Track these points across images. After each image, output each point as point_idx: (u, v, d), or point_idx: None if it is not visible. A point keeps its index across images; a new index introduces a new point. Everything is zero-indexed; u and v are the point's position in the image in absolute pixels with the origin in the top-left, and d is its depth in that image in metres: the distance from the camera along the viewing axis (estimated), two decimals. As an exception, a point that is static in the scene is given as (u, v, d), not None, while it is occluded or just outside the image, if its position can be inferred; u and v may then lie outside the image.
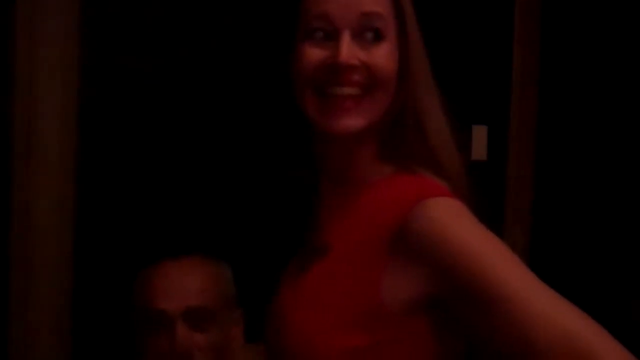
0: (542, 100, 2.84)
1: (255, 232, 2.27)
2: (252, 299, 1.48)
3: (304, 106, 1.12)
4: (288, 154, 1.26)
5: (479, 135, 2.74)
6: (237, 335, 1.65)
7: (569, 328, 0.92)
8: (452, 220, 1.02)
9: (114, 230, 2.18)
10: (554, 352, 0.91)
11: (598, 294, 2.55)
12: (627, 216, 2.75)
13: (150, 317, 1.56)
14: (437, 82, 1.17)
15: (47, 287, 2.05)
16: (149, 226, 2.20)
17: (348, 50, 1.08)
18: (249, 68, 2.28)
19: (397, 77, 1.12)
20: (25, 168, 2.04)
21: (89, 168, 2.13)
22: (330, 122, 1.10)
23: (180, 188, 2.25)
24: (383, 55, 1.11)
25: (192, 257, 1.63)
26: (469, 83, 2.69)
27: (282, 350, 1.12)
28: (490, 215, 1.04)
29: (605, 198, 2.80)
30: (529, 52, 2.83)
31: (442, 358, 1.07)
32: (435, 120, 1.15)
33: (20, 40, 2.02)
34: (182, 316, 1.54)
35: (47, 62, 2.04)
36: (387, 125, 1.14)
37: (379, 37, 1.11)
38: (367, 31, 1.10)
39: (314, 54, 1.10)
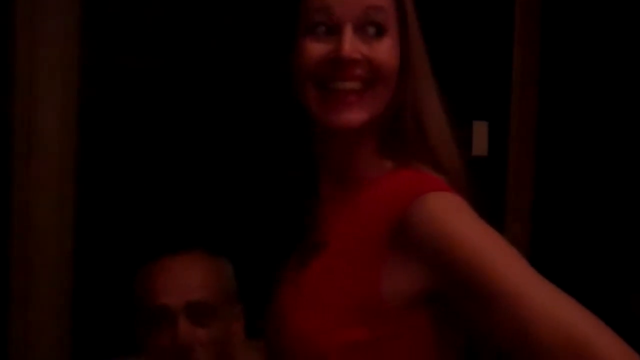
0: (542, 96, 2.84)
1: (256, 228, 2.27)
2: (253, 295, 1.48)
3: (306, 101, 1.12)
4: (288, 151, 1.26)
5: (480, 130, 2.74)
6: (238, 330, 1.66)
7: (569, 322, 0.92)
8: (451, 214, 1.02)
9: (114, 228, 2.18)
10: (554, 346, 0.91)
11: (598, 289, 2.56)
12: (627, 212, 2.75)
13: (152, 313, 1.57)
14: (439, 78, 1.17)
15: (48, 286, 2.05)
16: (149, 222, 2.21)
17: (351, 44, 1.08)
18: (249, 66, 2.28)
19: (398, 73, 1.12)
20: (26, 167, 2.04)
21: (88, 166, 2.14)
22: (333, 116, 1.09)
23: (180, 185, 2.25)
24: (385, 50, 1.10)
25: (192, 252, 1.63)
26: (469, 79, 2.70)
27: (282, 347, 1.12)
28: (491, 211, 1.04)
29: (605, 194, 2.80)
30: (530, 48, 2.83)
31: (442, 352, 1.08)
32: (434, 116, 1.15)
33: (20, 41, 2.02)
34: (183, 311, 1.54)
35: (47, 62, 2.04)
36: (387, 120, 1.14)
37: (380, 31, 1.10)
38: (369, 25, 1.10)
39: (316, 48, 1.10)
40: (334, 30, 1.09)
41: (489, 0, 2.75)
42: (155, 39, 2.21)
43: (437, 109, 1.15)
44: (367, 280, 1.04)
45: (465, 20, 2.70)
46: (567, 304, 0.94)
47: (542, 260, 1.05)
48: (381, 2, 1.11)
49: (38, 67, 2.02)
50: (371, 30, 1.10)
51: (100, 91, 2.15)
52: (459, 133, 1.17)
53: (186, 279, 1.57)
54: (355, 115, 1.09)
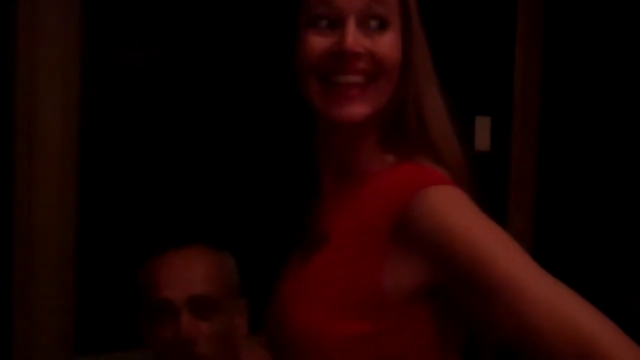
0: (545, 91, 2.84)
1: (259, 223, 2.28)
2: (256, 289, 1.49)
3: (309, 95, 1.12)
4: (290, 145, 1.26)
5: (482, 126, 2.74)
6: (240, 324, 1.66)
7: (572, 316, 0.92)
8: (453, 208, 1.02)
9: (117, 221, 2.19)
10: (557, 340, 0.91)
11: (599, 284, 2.56)
12: (629, 208, 2.75)
13: (155, 306, 1.57)
14: (442, 74, 1.17)
15: (50, 280, 2.05)
16: (152, 216, 2.21)
17: (353, 37, 1.07)
18: (251, 62, 2.28)
19: (400, 67, 1.12)
20: (27, 160, 2.03)
21: (91, 161, 2.14)
22: (335, 110, 1.09)
23: (182, 180, 2.26)
24: (387, 44, 1.10)
25: (195, 246, 1.64)
26: (472, 74, 2.70)
27: (283, 340, 1.12)
28: (493, 205, 1.04)
29: (608, 190, 2.80)
30: (533, 43, 2.83)
31: (443, 346, 1.08)
32: (436, 110, 1.15)
33: (21, 40, 2.02)
34: (186, 305, 1.55)
35: (48, 61, 2.03)
36: (389, 114, 1.14)
37: (383, 25, 1.10)
38: (372, 19, 1.09)
39: (318, 42, 1.09)
40: (336, 24, 1.09)
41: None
42: (157, 37, 2.22)
43: (438, 104, 1.15)
44: (368, 274, 1.04)
45: (468, 15, 2.70)
46: (570, 298, 0.94)
47: (544, 255, 1.05)
48: None
49: (39, 66, 2.02)
50: (374, 23, 1.10)
51: (101, 90, 2.15)
52: (462, 128, 1.17)
53: (189, 273, 1.58)
54: (357, 109, 1.09)
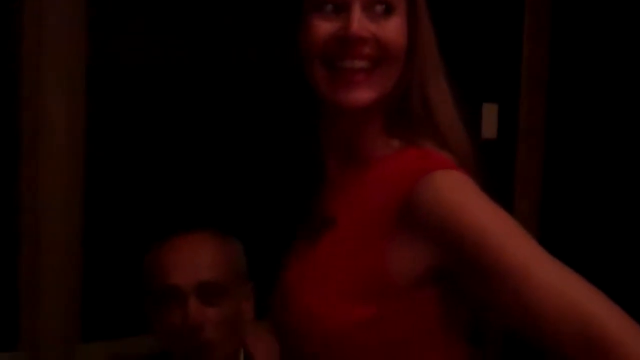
0: (552, 78, 2.83)
1: (265, 208, 2.28)
2: (263, 274, 1.49)
3: (314, 80, 1.11)
4: (295, 130, 1.26)
5: (489, 113, 2.74)
6: (247, 309, 1.66)
7: (578, 301, 0.91)
8: (459, 192, 1.02)
9: (124, 207, 2.19)
10: (563, 325, 0.91)
11: (606, 272, 2.56)
12: (635, 195, 2.74)
13: (162, 292, 1.58)
14: (449, 61, 1.17)
15: (57, 265, 2.05)
16: (159, 202, 2.22)
17: (359, 22, 1.07)
18: (257, 49, 2.28)
19: (405, 52, 1.12)
20: (33, 150, 2.04)
21: (98, 148, 2.14)
22: (341, 95, 1.09)
23: (188, 166, 2.26)
24: (393, 29, 1.10)
25: (203, 232, 1.64)
26: (479, 61, 2.69)
27: (289, 324, 1.13)
28: (500, 193, 1.04)
29: (614, 179, 2.80)
30: (540, 31, 2.82)
31: (448, 331, 1.08)
32: (441, 96, 1.14)
33: (27, 39, 2.01)
34: (194, 291, 1.55)
35: (54, 60, 2.02)
36: (395, 100, 1.14)
37: (389, 10, 1.10)
38: (377, 4, 1.09)
39: (324, 27, 1.09)
40: (341, 8, 1.09)
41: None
42: (160, 34, 2.22)
43: (444, 89, 1.15)
44: (374, 258, 1.04)
45: (475, 3, 2.69)
46: (576, 283, 0.94)
47: (550, 243, 1.04)
48: None
49: (45, 66, 2.02)
50: (379, 8, 1.09)
51: (107, 88, 2.15)
52: (469, 115, 1.17)
53: (196, 259, 1.58)
54: (363, 94, 1.09)
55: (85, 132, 2.09)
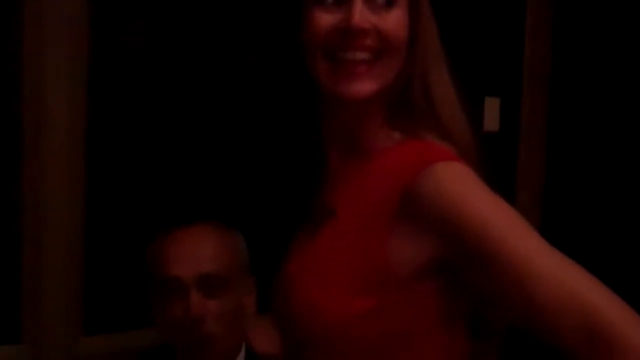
0: (554, 71, 2.83)
1: (267, 201, 2.28)
2: (265, 267, 1.49)
3: (316, 72, 1.11)
4: (297, 124, 1.26)
5: (492, 106, 2.74)
6: (249, 303, 1.66)
7: (579, 292, 0.91)
8: (460, 184, 1.02)
9: (127, 199, 2.19)
10: (564, 316, 0.91)
11: (607, 263, 2.56)
12: (636, 188, 2.74)
13: (164, 284, 1.58)
14: (451, 55, 1.17)
15: (58, 261, 2.05)
16: (161, 194, 2.22)
17: (360, 14, 1.07)
18: (257, 44, 2.28)
19: (407, 44, 1.12)
20: (36, 146, 2.04)
21: (100, 141, 2.14)
22: (342, 87, 1.09)
23: (191, 159, 2.26)
24: (394, 21, 1.10)
25: (205, 224, 1.64)
26: (482, 55, 2.69)
27: (290, 315, 1.13)
28: (502, 186, 1.04)
29: (616, 171, 2.79)
30: (543, 24, 2.81)
31: (448, 322, 1.08)
32: (442, 88, 1.14)
33: (28, 39, 2.01)
34: (195, 283, 1.55)
35: (55, 60, 2.02)
36: (396, 92, 1.14)
37: (390, 2, 1.10)
38: None
39: (325, 18, 1.09)
40: (342, 0, 1.09)
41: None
42: (162, 34, 2.22)
43: (445, 81, 1.15)
44: (375, 250, 1.04)
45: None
46: (577, 274, 0.94)
47: (552, 235, 1.04)
48: None
49: (46, 65, 2.01)
50: (381, 0, 1.09)
51: (108, 87, 2.15)
52: (471, 109, 1.17)
53: (198, 251, 1.58)
54: (364, 86, 1.09)
55: (86, 131, 2.09)
